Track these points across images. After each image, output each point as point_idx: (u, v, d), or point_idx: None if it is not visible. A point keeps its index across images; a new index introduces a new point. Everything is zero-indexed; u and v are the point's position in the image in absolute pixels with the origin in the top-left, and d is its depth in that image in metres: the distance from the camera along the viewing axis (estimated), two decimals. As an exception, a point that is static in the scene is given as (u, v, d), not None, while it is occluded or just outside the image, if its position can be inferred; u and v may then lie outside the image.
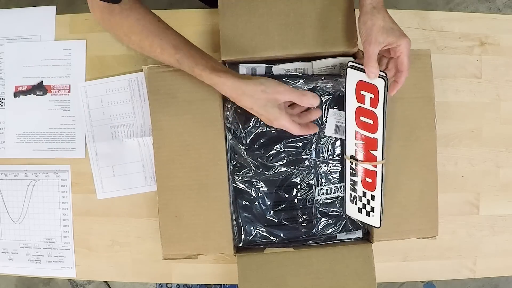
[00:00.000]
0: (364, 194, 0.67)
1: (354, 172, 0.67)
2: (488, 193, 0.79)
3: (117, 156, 0.78)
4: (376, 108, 0.63)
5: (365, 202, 0.67)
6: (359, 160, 0.66)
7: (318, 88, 0.69)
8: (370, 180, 0.66)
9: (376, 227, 0.67)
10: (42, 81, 0.79)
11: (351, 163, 0.67)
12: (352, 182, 0.68)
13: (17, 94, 0.80)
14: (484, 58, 0.79)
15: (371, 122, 0.64)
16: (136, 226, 0.78)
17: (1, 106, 0.80)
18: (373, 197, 0.66)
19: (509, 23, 0.80)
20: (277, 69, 0.71)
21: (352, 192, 0.68)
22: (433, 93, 0.69)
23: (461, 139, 0.79)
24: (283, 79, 0.69)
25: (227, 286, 1.36)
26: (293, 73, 0.71)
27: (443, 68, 0.78)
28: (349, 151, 0.67)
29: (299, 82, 0.69)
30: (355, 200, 0.68)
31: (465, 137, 0.79)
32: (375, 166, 0.65)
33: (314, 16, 0.69)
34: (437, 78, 0.74)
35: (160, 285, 1.46)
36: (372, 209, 0.66)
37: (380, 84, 0.61)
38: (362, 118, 0.64)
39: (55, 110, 0.79)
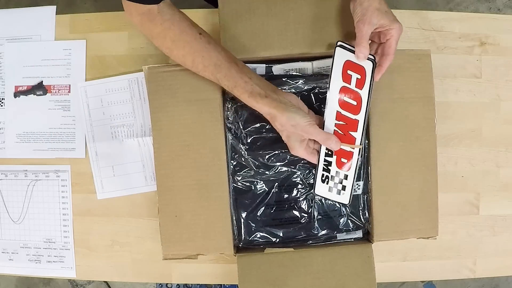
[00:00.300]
0: (337, 173, 0.66)
1: (329, 152, 0.66)
2: (488, 193, 0.79)
3: (117, 156, 0.78)
4: (361, 89, 0.63)
5: (337, 182, 0.66)
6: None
7: (318, 88, 0.69)
8: (345, 161, 0.65)
9: (345, 203, 0.67)
10: (42, 81, 0.79)
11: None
12: (326, 163, 0.66)
13: (17, 94, 0.80)
14: (484, 58, 0.79)
15: (354, 103, 0.63)
16: (136, 226, 0.78)
17: (1, 106, 0.80)
18: (346, 177, 0.66)
19: (509, 23, 0.80)
20: (277, 69, 0.71)
21: (324, 172, 0.67)
22: (433, 93, 0.69)
23: (461, 139, 0.79)
24: (283, 79, 0.69)
25: (227, 286, 1.36)
26: (293, 73, 0.71)
27: (443, 68, 0.78)
28: (328, 130, 0.66)
29: (299, 82, 0.69)
30: (326, 179, 0.67)
31: (465, 137, 0.79)
32: (353, 148, 0.65)
33: (314, 16, 0.69)
34: (437, 78, 0.74)
35: (160, 285, 1.46)
36: (344, 187, 0.66)
37: (368, 66, 0.62)
38: (345, 98, 0.64)
39: (55, 110, 0.79)
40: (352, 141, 0.65)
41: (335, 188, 0.67)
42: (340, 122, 0.65)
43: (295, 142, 0.63)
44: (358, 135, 0.64)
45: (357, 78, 0.63)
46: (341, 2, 0.69)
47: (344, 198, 0.67)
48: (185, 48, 0.63)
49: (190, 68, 0.64)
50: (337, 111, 0.65)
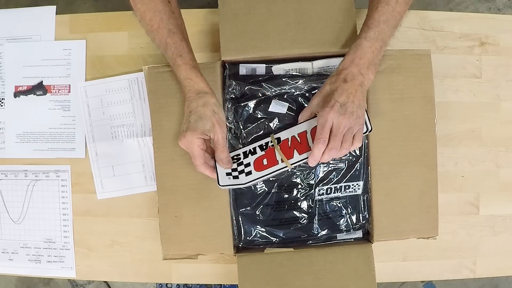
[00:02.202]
0: (248, 165, 0.65)
1: (254, 151, 0.65)
2: (488, 193, 0.79)
3: (117, 156, 0.78)
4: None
5: (240, 171, 0.65)
6: (280, 146, 0.65)
7: (318, 88, 0.69)
8: (265, 163, 0.64)
9: (242, 184, 0.64)
10: (42, 81, 0.79)
11: (270, 142, 0.65)
12: (240, 156, 0.66)
13: (17, 94, 0.80)
14: (484, 58, 0.79)
15: None
16: (136, 226, 0.78)
17: (1, 106, 0.80)
18: (250, 172, 0.64)
19: (509, 23, 0.80)
20: (277, 69, 0.71)
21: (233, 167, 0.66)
22: (433, 93, 0.69)
23: (461, 139, 0.79)
24: (283, 79, 0.69)
25: (227, 286, 1.36)
26: (293, 73, 0.71)
27: (443, 68, 0.78)
28: (281, 135, 0.65)
29: (299, 82, 0.69)
30: (229, 174, 0.65)
31: (465, 137, 0.79)
32: (282, 161, 0.64)
33: (313, 16, 0.69)
34: (437, 78, 0.74)
35: (160, 285, 1.46)
36: (241, 172, 0.65)
37: None
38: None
39: (55, 110, 0.79)
40: (290, 156, 0.64)
41: (234, 176, 0.65)
42: (298, 139, 0.64)
43: (200, 123, 0.62)
44: (298, 157, 0.63)
45: None
46: (341, 2, 0.69)
47: (241, 181, 0.64)
48: (149, 5, 0.64)
49: (145, 25, 0.65)
50: (305, 131, 0.64)
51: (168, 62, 0.65)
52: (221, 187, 0.64)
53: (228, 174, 0.65)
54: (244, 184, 0.64)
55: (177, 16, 0.66)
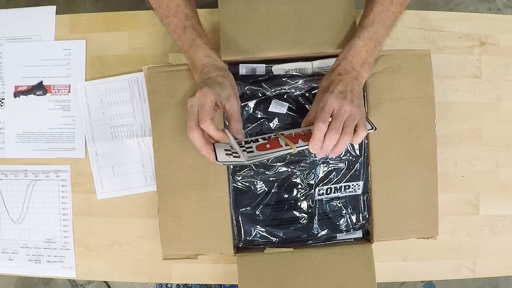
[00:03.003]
0: (250, 148, 0.62)
1: (256, 140, 0.63)
2: (488, 193, 0.79)
3: (117, 156, 0.78)
4: None
5: (244, 149, 0.62)
6: (286, 137, 0.63)
7: (318, 88, 0.69)
8: (268, 147, 0.61)
9: (243, 161, 0.59)
10: (42, 81, 0.79)
11: (273, 135, 0.64)
12: (247, 145, 0.63)
13: (17, 94, 0.80)
14: (484, 58, 0.79)
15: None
16: (136, 226, 0.78)
17: (1, 106, 0.80)
18: (252, 151, 0.61)
19: (509, 23, 0.80)
20: (277, 69, 0.71)
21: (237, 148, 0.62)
22: (433, 93, 0.69)
23: (461, 139, 0.79)
24: (283, 79, 0.69)
25: (227, 286, 1.36)
26: (293, 73, 0.71)
27: (443, 68, 0.78)
28: (284, 132, 0.64)
29: (299, 82, 0.69)
30: (229, 153, 0.61)
31: (465, 137, 0.79)
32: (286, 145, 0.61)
33: (314, 16, 0.69)
34: (437, 78, 0.74)
35: (160, 285, 1.46)
36: (243, 151, 0.61)
37: None
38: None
39: (55, 110, 0.79)
40: (295, 142, 0.61)
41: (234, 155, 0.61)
42: (301, 133, 0.63)
43: (215, 88, 0.59)
44: (303, 143, 0.61)
45: None
46: (341, 2, 0.69)
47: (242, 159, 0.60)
48: None
49: (161, 10, 0.66)
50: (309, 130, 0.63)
51: (182, 47, 0.65)
52: (219, 163, 0.59)
53: (227, 153, 0.61)
54: (245, 161, 0.59)
55: (192, 3, 0.68)
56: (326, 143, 0.57)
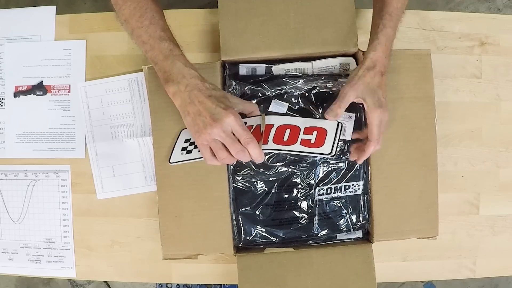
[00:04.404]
0: None
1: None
2: (488, 193, 0.79)
3: (117, 156, 0.78)
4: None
5: (195, 145, 0.65)
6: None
7: (318, 88, 0.69)
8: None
9: (193, 159, 0.64)
10: (42, 81, 0.79)
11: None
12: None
13: (17, 94, 0.80)
14: (484, 58, 0.79)
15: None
16: (136, 226, 0.78)
17: (1, 106, 0.80)
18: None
19: (509, 23, 0.80)
20: (277, 69, 0.71)
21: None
22: (433, 93, 0.69)
23: (461, 139, 0.79)
24: (283, 79, 0.69)
25: (227, 286, 1.36)
26: (293, 73, 0.71)
27: (443, 68, 0.78)
28: (272, 118, 0.65)
29: (299, 82, 0.69)
30: (184, 148, 0.65)
31: (465, 137, 0.79)
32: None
33: (314, 16, 0.69)
34: (437, 78, 0.74)
35: (160, 285, 1.46)
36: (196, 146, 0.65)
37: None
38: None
39: (55, 110, 0.79)
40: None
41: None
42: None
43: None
44: (272, 146, 0.62)
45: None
46: (341, 2, 0.69)
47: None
48: (140, 3, 0.63)
49: (133, 21, 0.63)
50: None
51: (154, 58, 0.62)
52: (171, 164, 0.64)
53: (183, 148, 0.64)
54: (195, 159, 0.63)
55: (163, 15, 0.65)
56: (366, 154, 0.64)
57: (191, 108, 0.59)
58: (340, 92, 0.62)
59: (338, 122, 0.62)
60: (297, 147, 0.62)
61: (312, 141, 0.62)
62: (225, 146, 0.59)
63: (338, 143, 0.61)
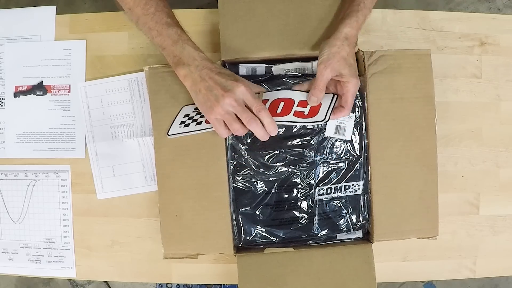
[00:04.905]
0: (201, 117, 0.66)
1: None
2: (488, 193, 0.79)
3: (117, 156, 0.78)
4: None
5: (193, 120, 0.67)
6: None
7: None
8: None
9: (190, 132, 0.65)
10: (42, 81, 0.79)
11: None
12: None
13: (17, 94, 0.80)
14: (484, 58, 0.79)
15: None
16: (136, 226, 0.78)
17: (1, 106, 0.80)
18: (200, 123, 0.66)
19: (509, 23, 0.80)
20: (277, 69, 0.71)
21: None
22: (433, 93, 0.69)
23: (461, 139, 0.79)
24: (283, 79, 0.69)
25: (227, 286, 1.36)
26: (293, 73, 0.71)
27: (443, 68, 0.78)
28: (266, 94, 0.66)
29: (299, 83, 0.69)
30: (183, 122, 0.66)
31: (465, 137, 0.79)
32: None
33: (314, 16, 0.69)
34: (437, 78, 0.74)
35: (160, 285, 1.46)
36: (194, 120, 0.67)
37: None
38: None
39: (55, 110, 0.79)
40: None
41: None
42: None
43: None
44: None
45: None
46: (341, 2, 0.69)
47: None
48: None
49: (138, 9, 0.63)
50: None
51: (162, 43, 0.63)
52: (169, 136, 0.66)
53: (181, 122, 0.66)
54: (192, 131, 0.64)
55: (167, 3, 0.66)
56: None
57: (202, 85, 0.61)
58: (317, 74, 0.62)
59: (334, 94, 0.64)
60: (290, 117, 0.63)
61: (306, 113, 0.63)
62: (238, 117, 0.60)
63: (332, 110, 0.62)
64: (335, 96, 0.64)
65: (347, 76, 0.62)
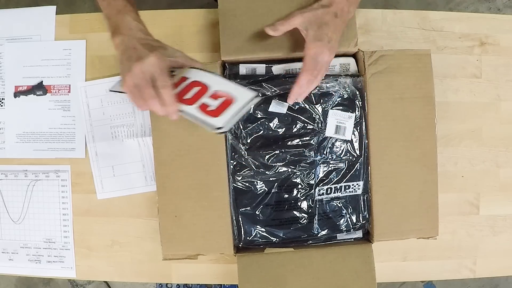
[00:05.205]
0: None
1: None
2: (488, 193, 0.79)
3: (117, 156, 0.78)
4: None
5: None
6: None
7: (318, 87, 0.69)
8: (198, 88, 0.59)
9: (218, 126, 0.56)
10: (42, 81, 0.79)
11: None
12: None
13: (17, 94, 0.80)
14: (484, 58, 0.79)
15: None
16: (136, 226, 0.78)
17: (1, 106, 0.80)
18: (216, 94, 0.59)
19: (509, 23, 0.80)
20: (277, 69, 0.71)
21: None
22: (433, 93, 0.69)
23: (461, 139, 0.79)
24: (283, 79, 0.69)
25: (227, 286, 1.36)
26: (293, 73, 0.71)
27: (443, 68, 0.78)
28: (190, 73, 0.61)
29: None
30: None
31: (465, 137, 0.79)
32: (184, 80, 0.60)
33: (314, 16, 0.69)
34: (437, 78, 0.74)
35: (160, 285, 1.46)
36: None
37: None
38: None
39: (55, 110, 0.79)
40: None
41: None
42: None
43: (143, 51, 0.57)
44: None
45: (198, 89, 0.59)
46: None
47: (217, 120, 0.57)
48: None
49: None
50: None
51: (108, 13, 0.61)
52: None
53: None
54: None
55: None
56: (304, 92, 0.63)
57: (125, 55, 0.58)
58: (288, 16, 0.64)
59: (255, 97, 0.57)
60: (191, 109, 0.57)
61: (212, 108, 0.57)
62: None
63: (237, 119, 0.56)
64: (246, 108, 0.57)
65: (310, 38, 0.61)
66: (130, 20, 0.60)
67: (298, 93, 0.63)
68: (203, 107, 0.58)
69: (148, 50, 0.57)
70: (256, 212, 0.70)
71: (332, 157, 0.70)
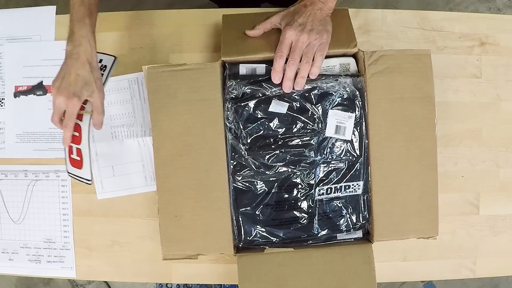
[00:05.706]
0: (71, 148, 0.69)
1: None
2: (488, 193, 0.79)
3: (117, 156, 0.78)
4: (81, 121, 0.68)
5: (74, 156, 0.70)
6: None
7: (318, 88, 0.69)
8: (77, 134, 0.68)
9: (88, 180, 0.69)
10: (42, 81, 0.79)
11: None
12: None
13: (17, 94, 0.80)
14: (484, 58, 0.79)
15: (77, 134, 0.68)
16: (136, 226, 0.78)
17: (1, 106, 0.80)
18: (79, 151, 0.68)
19: (509, 23, 0.80)
20: (277, 69, 0.71)
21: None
22: (433, 93, 0.69)
23: (461, 139, 0.79)
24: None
25: (227, 286, 1.36)
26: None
27: (443, 68, 0.78)
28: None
29: (299, 82, 0.69)
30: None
31: (465, 137, 0.79)
32: (81, 119, 0.68)
33: (314, 16, 0.69)
34: (437, 78, 0.74)
35: (160, 285, 1.46)
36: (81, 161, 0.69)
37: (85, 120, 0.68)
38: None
39: (55, 110, 0.79)
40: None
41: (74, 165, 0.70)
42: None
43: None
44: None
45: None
46: (340, 3, 0.69)
47: (86, 173, 0.68)
48: None
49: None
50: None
51: (71, 16, 0.66)
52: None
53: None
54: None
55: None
56: (287, 75, 0.66)
57: (63, 70, 0.66)
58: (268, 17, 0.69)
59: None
60: (66, 150, 0.70)
61: (73, 156, 0.70)
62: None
63: (91, 168, 0.68)
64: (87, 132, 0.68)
65: (282, 26, 0.67)
66: (82, 35, 0.65)
67: (276, 76, 0.66)
68: (76, 163, 0.69)
69: (77, 89, 0.64)
70: (256, 212, 0.70)
71: (332, 157, 0.70)
